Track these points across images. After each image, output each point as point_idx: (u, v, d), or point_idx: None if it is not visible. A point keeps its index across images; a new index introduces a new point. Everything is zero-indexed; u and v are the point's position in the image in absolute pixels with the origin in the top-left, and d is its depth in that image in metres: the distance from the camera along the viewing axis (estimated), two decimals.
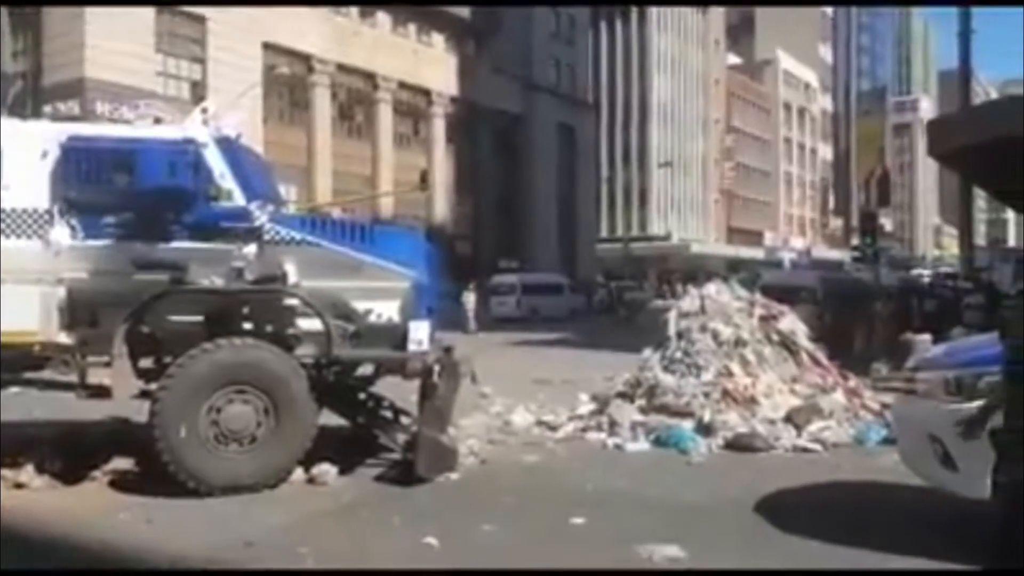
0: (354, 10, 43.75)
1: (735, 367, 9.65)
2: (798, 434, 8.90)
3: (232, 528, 5.98)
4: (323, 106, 42.09)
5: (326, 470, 7.39)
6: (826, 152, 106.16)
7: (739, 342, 9.93)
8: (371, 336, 7.74)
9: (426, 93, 47.79)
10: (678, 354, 9.96)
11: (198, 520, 6.30)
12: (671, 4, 77.18)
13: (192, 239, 7.42)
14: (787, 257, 75.32)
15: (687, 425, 8.92)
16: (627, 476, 7.70)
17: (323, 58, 41.40)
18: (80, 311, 7.41)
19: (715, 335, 9.97)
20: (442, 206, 47.46)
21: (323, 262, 7.55)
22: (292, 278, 7.52)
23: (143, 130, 7.95)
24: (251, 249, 7.45)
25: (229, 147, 7.79)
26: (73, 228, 7.37)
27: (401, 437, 8.10)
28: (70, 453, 7.66)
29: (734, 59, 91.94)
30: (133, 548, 5.60)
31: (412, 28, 47.20)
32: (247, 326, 7.57)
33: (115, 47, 31.61)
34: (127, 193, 7.42)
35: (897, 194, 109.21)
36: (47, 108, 30.87)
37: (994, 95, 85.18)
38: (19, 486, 7.07)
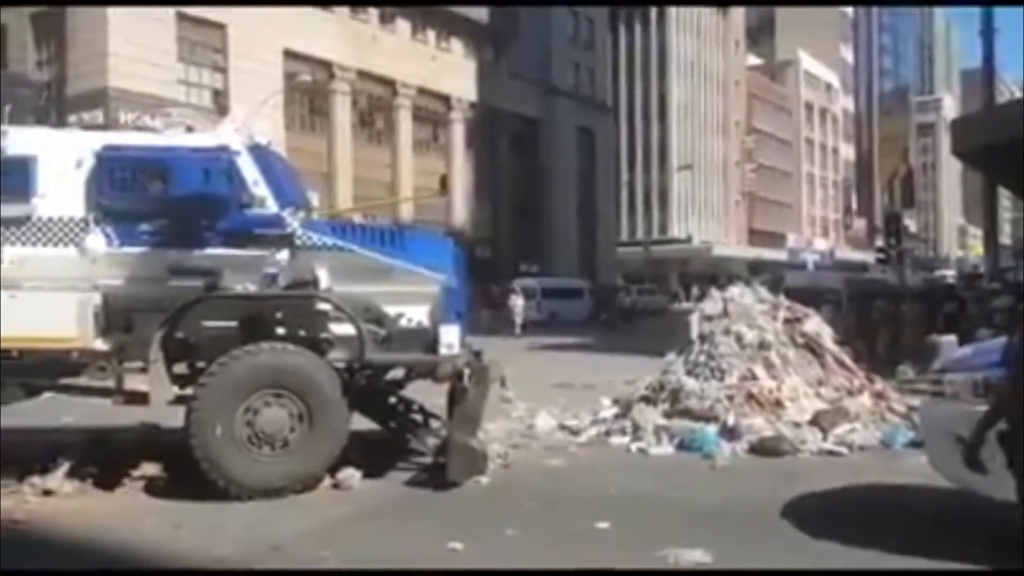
0: (374, 16, 43.98)
1: (759, 370, 9.59)
2: (824, 437, 8.83)
3: (258, 533, 6.01)
4: (343, 113, 42.31)
5: (351, 475, 7.41)
6: (848, 152, 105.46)
7: (763, 345, 9.87)
8: (402, 340, 7.77)
9: (445, 99, 47.93)
10: (701, 358, 9.90)
11: (225, 525, 6.34)
12: (690, 4, 76.96)
13: (226, 246, 7.51)
14: (810, 259, 74.90)
15: (711, 429, 8.87)
16: (651, 480, 7.67)
17: (343, 65, 41.63)
18: (115, 317, 7.51)
19: (739, 338, 9.90)
20: (461, 211, 47.55)
21: (354, 267, 7.63)
22: (324, 283, 7.57)
23: (177, 138, 8.04)
24: (284, 255, 7.53)
25: (261, 154, 7.89)
26: (108, 236, 7.47)
27: (431, 441, 8.16)
28: (98, 459, 7.74)
29: (754, 60, 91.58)
30: (159, 553, 5.64)
31: (431, 34, 47.37)
32: (280, 331, 7.64)
33: (137, 56, 31.96)
34: (161, 200, 7.51)
35: (921, 194, 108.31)
36: (71, 118, 31.22)
37: (1018, 94, 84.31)
38: (47, 492, 7.11)
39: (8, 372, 7.55)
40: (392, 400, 8.58)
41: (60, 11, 33.30)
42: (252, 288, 7.49)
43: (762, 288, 11.93)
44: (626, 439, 9.15)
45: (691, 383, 9.59)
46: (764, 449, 8.56)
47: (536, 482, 7.64)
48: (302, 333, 7.66)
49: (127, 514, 6.61)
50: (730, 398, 9.22)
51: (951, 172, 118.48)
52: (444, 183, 44.21)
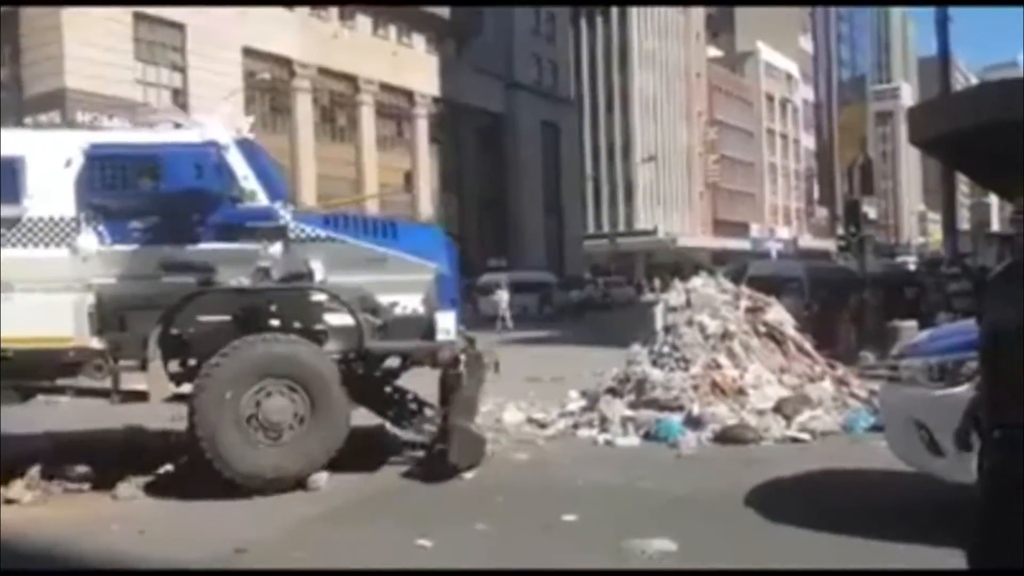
0: (334, 13, 43.69)
1: (723, 359, 9.69)
2: (787, 424, 8.95)
3: (225, 536, 5.96)
4: (305, 110, 42.01)
5: (318, 475, 7.38)
6: (809, 142, 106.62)
7: (726, 335, 9.97)
8: (397, 328, 7.87)
9: (408, 94, 47.77)
10: (665, 348, 9.99)
11: (191, 529, 6.29)
12: (652, 4, 77.29)
13: (218, 240, 7.54)
14: (773, 248, 75.68)
15: (676, 418, 8.96)
16: (618, 471, 7.72)
17: (304, 62, 41.32)
18: (110, 316, 7.54)
19: (702, 328, 10.00)
20: (427, 206, 47.42)
21: (348, 258, 7.69)
22: (318, 275, 7.65)
23: (165, 134, 8.03)
24: (277, 248, 7.58)
25: (248, 148, 7.95)
26: (100, 234, 7.46)
27: (428, 429, 8.25)
28: (64, 466, 7.63)
29: (715, 52, 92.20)
30: (124, 559, 5.59)
31: (392, 30, 47.16)
32: (275, 323, 7.68)
33: (95, 57, 31.50)
34: (152, 197, 7.55)
35: (881, 182, 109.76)
36: (28, 120, 30.67)
37: (974, 81, 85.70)
38: (9, 501, 7.01)
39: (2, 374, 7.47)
40: (388, 390, 8.63)
41: (14, 11, 32.70)
42: (246, 282, 7.52)
43: (724, 278, 12.05)
44: (593, 431, 9.21)
45: (656, 374, 9.67)
46: (728, 437, 8.65)
47: (505, 476, 7.66)
48: (297, 325, 7.70)
49: (92, 521, 6.53)
50: (695, 388, 9.32)
51: (911, 159, 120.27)
52: (409, 179, 44.13)
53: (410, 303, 7.94)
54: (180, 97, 34.51)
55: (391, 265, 7.80)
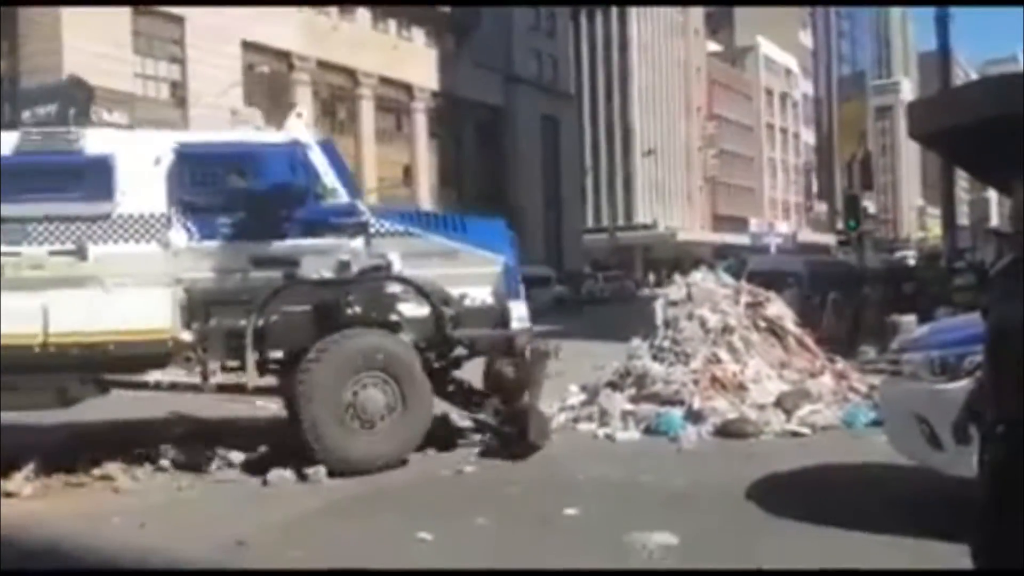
0: (333, 7, 43.55)
1: (723, 354, 9.69)
2: (787, 419, 8.95)
3: (225, 529, 5.96)
4: (304, 103, 41.90)
5: (318, 468, 7.40)
6: (809, 137, 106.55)
7: (726, 329, 9.97)
8: (469, 319, 8.23)
9: (408, 88, 47.65)
10: (666, 343, 9.99)
11: (191, 522, 6.30)
12: (652, 4, 77.14)
13: (303, 236, 7.87)
14: (773, 242, 75.63)
15: (677, 412, 8.96)
16: (618, 465, 7.74)
17: (303, 55, 41.21)
18: (196, 309, 7.75)
19: (702, 323, 10.00)
20: (427, 200, 47.36)
21: (422, 251, 8.11)
22: (396, 268, 7.98)
23: (251, 135, 8.40)
24: (358, 242, 7.95)
25: (328, 148, 8.35)
26: (189, 230, 7.72)
27: (492, 414, 8.47)
28: (65, 459, 7.67)
29: (714, 46, 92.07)
30: (124, 552, 5.58)
31: (392, 23, 47.03)
32: (352, 314, 7.90)
33: (93, 50, 31.35)
34: (240, 195, 7.83)
35: (880, 176, 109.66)
36: (26, 113, 30.62)
37: (974, 76, 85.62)
38: (9, 495, 7.02)
39: (87, 367, 7.68)
40: (451, 378, 8.81)
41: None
42: (327, 275, 7.84)
43: (724, 273, 12.05)
44: (593, 425, 9.21)
45: (656, 368, 9.67)
46: (728, 431, 8.66)
47: (505, 470, 7.67)
48: (374, 315, 7.98)
49: (92, 514, 6.53)
50: (695, 382, 9.32)
51: (910, 153, 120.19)
52: (408, 172, 44.06)
53: (478, 295, 8.32)
54: (179, 90, 34.43)
55: (462, 258, 8.25)
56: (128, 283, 7.45)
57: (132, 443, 8.26)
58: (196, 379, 8.10)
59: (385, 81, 45.92)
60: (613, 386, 9.81)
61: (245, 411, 10.08)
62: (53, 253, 7.48)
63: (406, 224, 8.27)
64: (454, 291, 8.18)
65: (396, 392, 7.60)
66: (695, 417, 8.87)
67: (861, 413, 9.05)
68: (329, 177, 8.08)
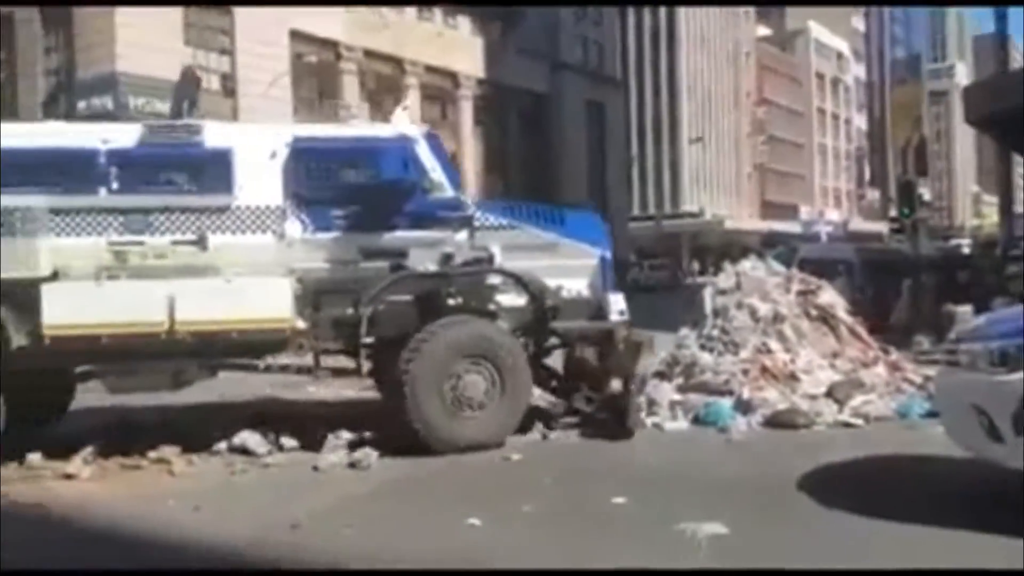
0: None
1: (773, 343, 9.58)
2: (839, 409, 8.82)
3: (278, 512, 6.06)
4: (352, 93, 42.17)
5: (367, 454, 7.49)
6: (861, 122, 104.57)
7: (777, 318, 9.85)
8: (568, 310, 8.47)
9: (453, 76, 47.70)
10: (715, 332, 9.90)
11: (244, 505, 6.42)
12: (702, 4, 76.11)
13: (411, 228, 8.16)
14: (823, 230, 74.51)
15: (726, 402, 8.88)
16: (667, 455, 7.71)
17: (350, 44, 41.44)
18: (307, 298, 7.99)
19: (752, 312, 9.89)
20: (472, 188, 47.44)
21: (523, 244, 8.37)
22: (497, 260, 8.26)
23: (362, 129, 8.81)
24: (463, 235, 8.26)
25: (433, 142, 8.58)
26: (303, 222, 7.99)
27: (587, 400, 8.77)
28: (122, 441, 7.86)
29: (764, 31, 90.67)
30: (178, 534, 5.68)
31: (438, 13, 47.06)
32: (453, 304, 8.17)
33: (145, 41, 31.89)
34: (352, 188, 8.14)
35: (935, 162, 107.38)
36: (81, 104, 31.26)
37: None
38: (68, 476, 7.21)
39: (209, 353, 7.99)
40: (543, 366, 8.97)
41: None
42: (432, 267, 8.17)
43: (775, 261, 11.89)
44: (641, 414, 9.15)
45: (705, 357, 9.59)
46: (779, 422, 8.56)
47: (553, 457, 7.69)
48: (473, 305, 8.21)
49: (148, 496, 6.67)
50: (744, 372, 9.23)
51: (965, 139, 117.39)
52: (454, 160, 44.16)
53: (575, 286, 8.53)
54: (229, 81, 34.85)
55: (561, 250, 8.50)
56: (246, 273, 7.70)
57: (186, 428, 8.44)
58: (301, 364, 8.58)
59: (431, 70, 45.99)
60: (661, 375, 9.73)
61: (292, 397, 10.24)
62: (175, 243, 7.76)
63: (508, 217, 8.56)
64: (551, 283, 8.38)
65: (497, 378, 7.87)
66: (744, 407, 8.78)
67: (916, 404, 8.89)
68: (436, 171, 8.32)
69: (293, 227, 7.98)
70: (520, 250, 8.32)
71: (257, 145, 8.07)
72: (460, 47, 47.71)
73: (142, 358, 7.67)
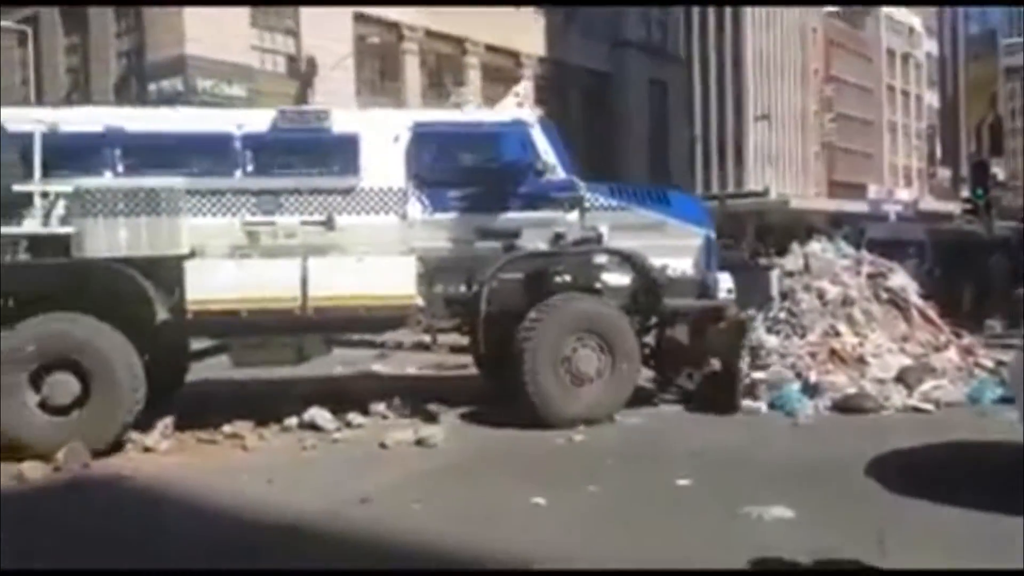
0: None
1: (842, 327, 9.43)
2: (909, 394, 8.68)
3: (348, 487, 6.21)
4: (413, 73, 42.31)
5: (434, 432, 7.63)
6: (932, 99, 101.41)
7: (846, 301, 9.69)
8: (674, 289, 8.68)
9: (515, 55, 47.54)
10: (782, 314, 9.79)
11: (315, 480, 6.58)
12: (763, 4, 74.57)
13: (524, 209, 8.46)
14: (892, 210, 72.55)
15: (794, 387, 8.79)
16: (732, 437, 7.67)
17: (412, 25, 41.55)
18: (425, 276, 8.25)
19: (820, 295, 9.75)
20: None
21: (630, 224, 8.63)
22: (605, 239, 8.51)
23: (478, 114, 9.08)
24: (574, 216, 8.52)
25: (547, 127, 8.82)
26: (423, 203, 8.31)
27: (686, 378, 9.15)
28: (198, 416, 8.08)
29: (832, 7, 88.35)
30: (251, 507, 5.86)
31: None
32: (559, 281, 8.47)
33: (213, 24, 32.41)
34: (470, 170, 8.48)
35: (1009, 141, 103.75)
36: (151, 86, 31.95)
37: None
38: (147, 449, 7.47)
39: (337, 329, 8.46)
40: (645, 343, 9.15)
41: None
42: (542, 246, 8.44)
43: (843, 242, 11.69)
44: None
45: (772, 340, 9.49)
46: (847, 406, 8.46)
47: (617, 439, 7.73)
48: (580, 283, 8.50)
49: (223, 470, 6.91)
50: (812, 355, 9.11)
51: None
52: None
53: (680, 265, 8.77)
54: (295, 63, 35.28)
55: (668, 231, 8.77)
56: (371, 252, 7.97)
57: (258, 404, 8.67)
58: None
59: (492, 49, 45.90)
60: None
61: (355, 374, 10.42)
62: (304, 223, 8.08)
63: (617, 198, 8.79)
64: (657, 262, 8.57)
65: (608, 353, 8.11)
66: (812, 391, 8.69)
67: (988, 389, 8.70)
68: (548, 154, 8.53)
69: (414, 208, 8.28)
70: (628, 230, 8.56)
71: (381, 130, 8.36)
72: (522, 26, 47.49)
73: (272, 333, 8.02)
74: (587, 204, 8.58)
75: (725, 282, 8.79)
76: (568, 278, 8.49)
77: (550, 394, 7.96)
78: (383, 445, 7.48)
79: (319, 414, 8.12)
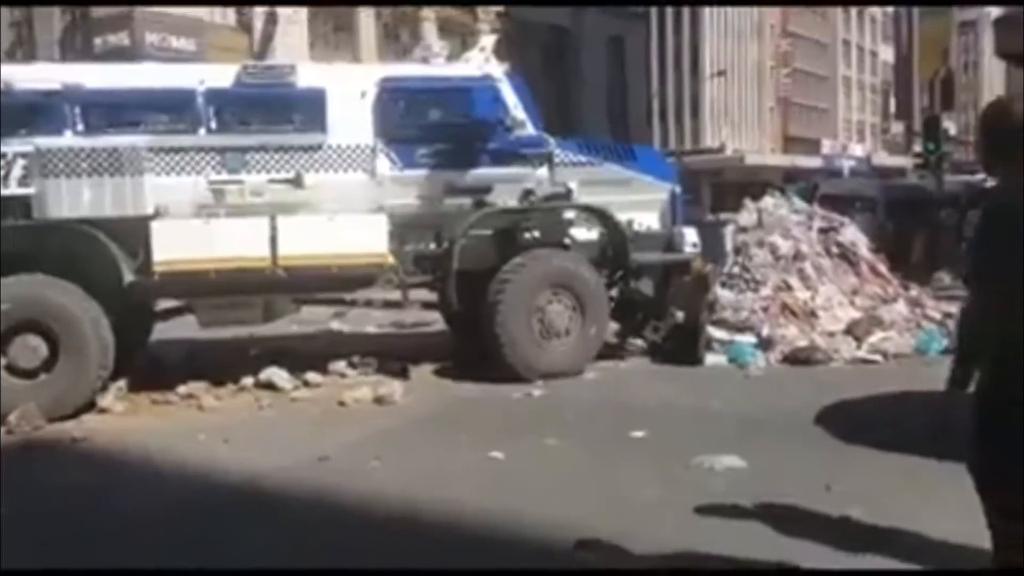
0: None
1: (794, 281, 9.58)
2: (858, 346, 8.87)
3: (306, 446, 6.21)
4: (368, 27, 41.59)
5: (394, 389, 7.64)
6: (887, 54, 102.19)
7: (798, 256, 9.83)
8: (640, 243, 8.77)
9: (472, 11, 46.93)
10: (735, 269, 9.90)
11: (273, 439, 6.57)
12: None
13: (494, 165, 8.42)
14: (846, 165, 73.44)
15: (747, 339, 8.93)
16: (686, 390, 7.80)
17: None
18: (395, 234, 8.17)
19: (773, 249, 9.87)
20: None
21: (598, 179, 8.67)
22: (575, 195, 8.55)
23: (447, 68, 8.91)
24: (543, 172, 8.53)
25: (516, 82, 8.75)
26: (392, 160, 8.19)
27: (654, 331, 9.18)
28: (151, 377, 8.05)
29: None
30: (208, 467, 5.84)
31: None
32: (529, 237, 8.49)
33: None
34: (438, 126, 8.38)
35: (961, 95, 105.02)
36: (97, 40, 31.04)
37: None
38: (102, 411, 7.40)
39: (307, 288, 8.35)
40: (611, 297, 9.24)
41: None
42: (512, 203, 8.43)
43: (796, 198, 11.82)
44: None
45: (726, 295, 9.61)
46: (797, 358, 8.63)
47: (575, 394, 7.80)
48: (549, 239, 8.50)
49: (178, 430, 6.87)
50: (765, 309, 9.26)
51: (993, 70, 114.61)
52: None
53: (646, 220, 8.86)
54: (244, 16, 34.45)
55: (635, 186, 8.80)
56: (340, 210, 7.88)
57: (214, 364, 8.61)
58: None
59: (449, 2, 45.25)
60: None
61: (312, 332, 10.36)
62: (272, 181, 7.93)
63: (585, 153, 8.85)
64: (623, 217, 8.65)
65: (579, 308, 8.23)
66: (765, 344, 8.84)
67: (935, 340, 8.92)
68: (518, 109, 8.47)
69: (383, 165, 8.18)
70: (596, 185, 8.59)
71: (348, 85, 8.23)
72: None
73: (241, 293, 7.94)
74: (556, 160, 8.58)
75: (690, 236, 8.93)
76: (538, 234, 8.52)
77: (522, 348, 8.05)
78: (342, 403, 7.48)
79: (276, 373, 8.08)
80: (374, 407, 7.41)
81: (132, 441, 6.57)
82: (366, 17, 41.30)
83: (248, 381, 8.07)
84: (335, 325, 11.48)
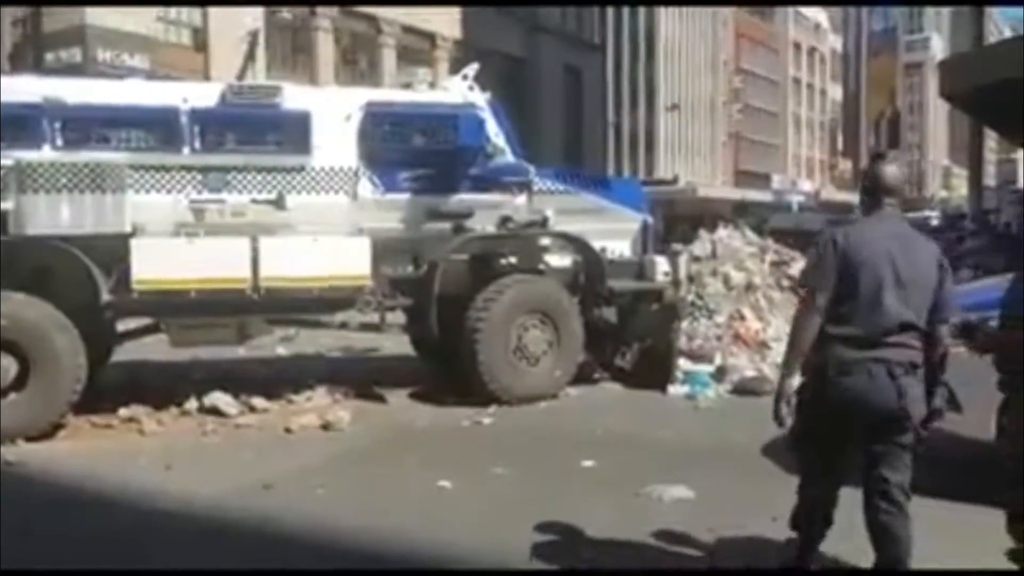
0: None
1: (747, 311, 9.68)
2: None
3: (250, 472, 6.10)
4: (326, 51, 41.52)
5: (341, 416, 7.53)
6: (836, 93, 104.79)
7: (750, 287, 9.95)
8: (614, 271, 8.96)
9: (430, 37, 47.14)
10: (690, 297, 9.97)
11: (216, 465, 6.43)
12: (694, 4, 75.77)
13: (474, 191, 8.49)
14: (795, 200, 74.81)
15: (706, 369, 8.99)
16: (638, 420, 7.82)
17: (325, 1, 40.73)
18: (376, 257, 8.07)
19: (726, 279, 9.98)
20: None
21: (574, 208, 8.84)
22: (551, 223, 8.69)
23: (430, 94, 9.01)
24: (522, 199, 8.64)
25: (496, 109, 8.86)
26: (374, 183, 8.19)
27: (626, 357, 9.31)
28: (92, 400, 7.80)
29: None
30: (148, 494, 5.69)
31: None
32: (505, 263, 8.66)
33: None
34: (421, 151, 8.40)
35: (907, 135, 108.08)
36: (49, 55, 30.54)
37: (1008, 34, 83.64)
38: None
39: (287, 309, 8.43)
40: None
41: None
42: (490, 229, 8.53)
43: (748, 230, 11.98)
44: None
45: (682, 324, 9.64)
46: (746, 389, 8.69)
47: (525, 422, 7.77)
48: (525, 264, 8.63)
49: (119, 453, 6.71)
50: (718, 338, 9.33)
51: (938, 112, 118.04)
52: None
53: (619, 248, 9.09)
54: (200, 35, 34.20)
55: (609, 215, 9.04)
56: (321, 232, 7.83)
57: (156, 387, 8.42)
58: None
59: (407, 30, 45.40)
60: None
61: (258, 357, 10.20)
62: (254, 202, 7.86)
63: (562, 182, 9.05)
64: (596, 244, 8.80)
65: (555, 333, 8.35)
66: (720, 374, 8.91)
67: None
68: (498, 137, 8.61)
69: (365, 188, 8.19)
70: (571, 214, 8.74)
71: (333, 108, 8.26)
72: (437, 8, 47.09)
73: (219, 313, 7.82)
74: (534, 188, 8.71)
75: (662, 265, 9.16)
76: (514, 260, 8.64)
77: (500, 372, 8.12)
78: (288, 430, 7.37)
79: (221, 398, 7.92)
80: (321, 433, 7.30)
81: (70, 465, 6.38)
82: (325, 41, 41.29)
83: (192, 405, 7.90)
84: (281, 350, 11.33)
